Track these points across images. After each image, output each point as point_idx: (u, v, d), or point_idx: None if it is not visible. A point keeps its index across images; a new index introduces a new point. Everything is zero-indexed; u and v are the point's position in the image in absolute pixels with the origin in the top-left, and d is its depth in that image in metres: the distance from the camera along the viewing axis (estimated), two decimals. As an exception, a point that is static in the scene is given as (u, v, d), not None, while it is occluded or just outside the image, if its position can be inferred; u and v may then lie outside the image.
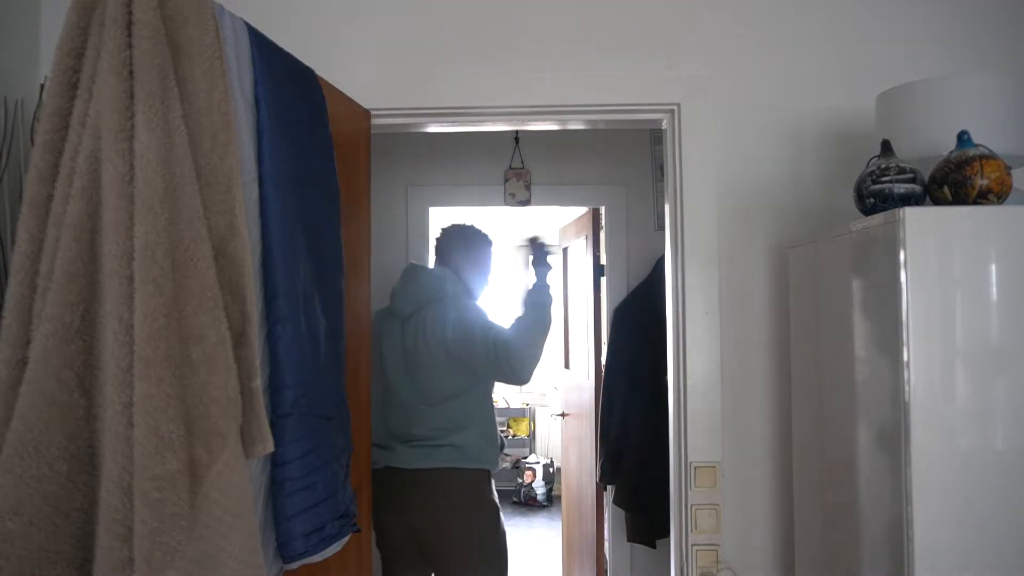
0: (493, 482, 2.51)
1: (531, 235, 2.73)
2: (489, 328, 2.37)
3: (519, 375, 2.36)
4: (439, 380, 2.43)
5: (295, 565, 1.34)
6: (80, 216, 1.00)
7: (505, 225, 5.83)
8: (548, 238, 2.76)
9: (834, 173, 1.94)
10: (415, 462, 2.39)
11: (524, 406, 6.76)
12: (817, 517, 1.74)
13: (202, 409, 1.02)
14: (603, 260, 3.46)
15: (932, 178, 1.41)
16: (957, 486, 1.31)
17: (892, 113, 1.64)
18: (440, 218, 3.21)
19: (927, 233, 1.33)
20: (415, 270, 2.64)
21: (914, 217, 1.32)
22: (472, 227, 2.72)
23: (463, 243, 2.66)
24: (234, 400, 1.06)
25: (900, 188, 1.43)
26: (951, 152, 1.41)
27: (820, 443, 1.72)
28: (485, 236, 2.71)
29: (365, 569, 1.92)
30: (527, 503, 6.25)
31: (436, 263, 2.70)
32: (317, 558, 1.37)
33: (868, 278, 1.49)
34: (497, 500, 2.50)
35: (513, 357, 2.30)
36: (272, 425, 1.22)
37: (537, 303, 2.43)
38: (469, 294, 2.61)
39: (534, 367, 2.37)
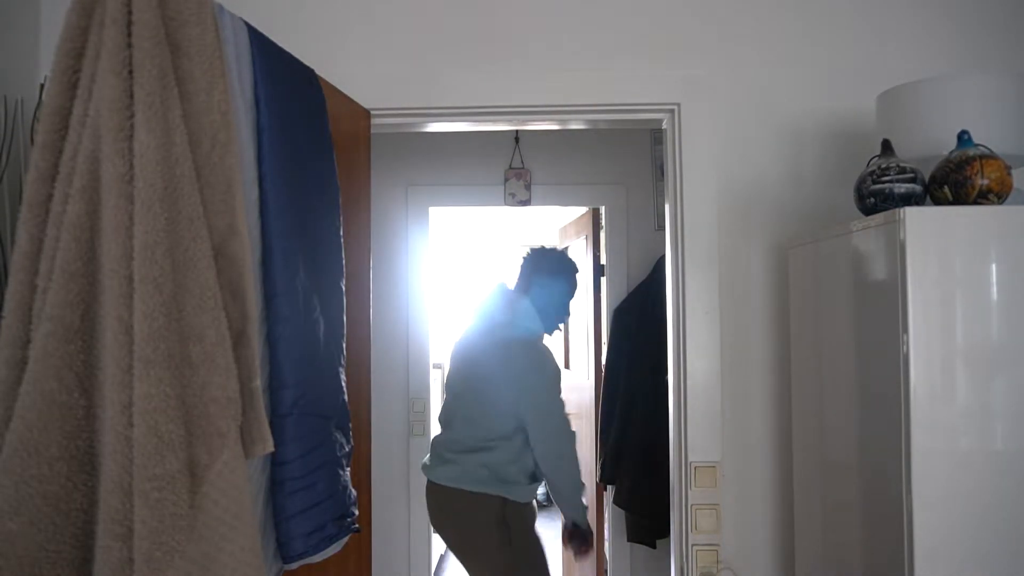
0: (519, 510, 2.44)
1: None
2: (547, 419, 2.41)
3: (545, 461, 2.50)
4: (476, 410, 2.45)
5: (295, 565, 1.34)
6: (80, 216, 1.00)
7: (505, 225, 5.83)
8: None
9: (834, 173, 1.94)
10: (439, 477, 2.46)
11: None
12: (817, 517, 1.74)
13: (202, 409, 1.02)
14: (603, 260, 3.46)
15: (932, 178, 1.41)
16: (957, 486, 1.31)
17: (892, 113, 1.64)
18: (439, 218, 3.19)
19: (927, 233, 1.33)
20: (496, 291, 2.58)
21: (914, 217, 1.32)
22: (559, 254, 2.58)
23: (543, 270, 2.52)
24: (234, 400, 1.06)
25: (900, 188, 1.43)
26: (951, 152, 1.40)
27: (820, 443, 1.72)
28: (569, 267, 2.56)
29: (365, 569, 1.92)
30: (527, 503, 6.25)
31: (516, 286, 2.59)
32: (317, 558, 1.37)
33: (868, 278, 1.49)
34: (521, 529, 2.44)
35: (545, 464, 2.49)
36: (272, 425, 1.23)
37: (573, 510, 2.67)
38: (534, 328, 2.47)
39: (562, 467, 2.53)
